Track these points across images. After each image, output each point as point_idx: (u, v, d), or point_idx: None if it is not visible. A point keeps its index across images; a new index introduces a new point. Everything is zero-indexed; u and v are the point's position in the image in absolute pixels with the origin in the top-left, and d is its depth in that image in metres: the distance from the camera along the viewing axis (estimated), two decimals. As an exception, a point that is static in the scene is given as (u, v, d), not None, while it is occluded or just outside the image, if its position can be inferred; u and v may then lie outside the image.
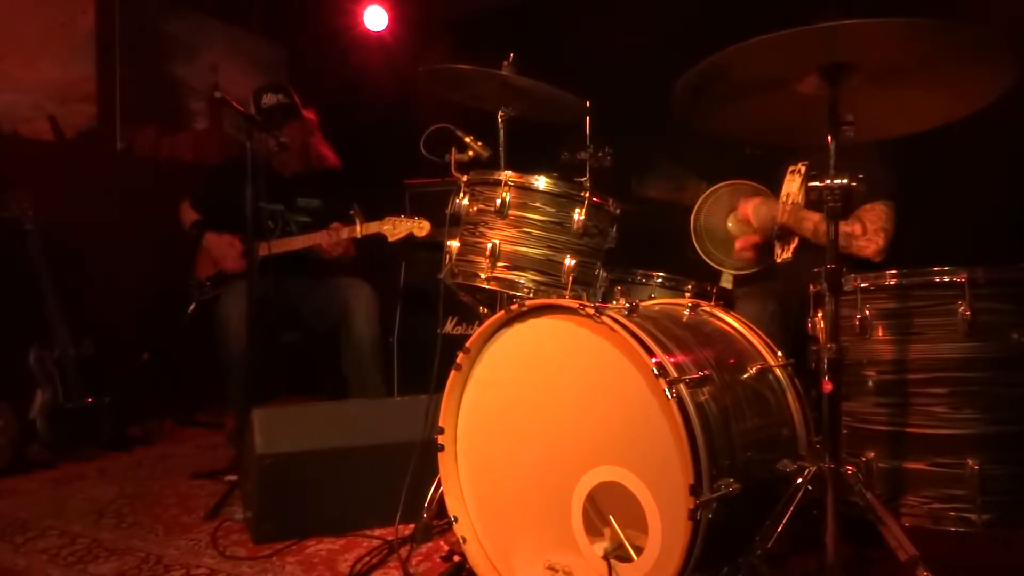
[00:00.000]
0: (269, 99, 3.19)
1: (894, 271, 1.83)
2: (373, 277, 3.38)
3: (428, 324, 3.40)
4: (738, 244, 2.77)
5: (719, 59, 1.51)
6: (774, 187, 2.77)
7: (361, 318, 3.10)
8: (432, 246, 2.99)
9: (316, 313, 3.23)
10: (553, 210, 1.95)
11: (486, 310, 2.24)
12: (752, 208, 2.61)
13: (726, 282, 3.37)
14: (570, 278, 1.92)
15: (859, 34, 1.40)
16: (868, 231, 2.31)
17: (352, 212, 3.09)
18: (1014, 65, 1.43)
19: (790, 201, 2.62)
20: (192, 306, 3.25)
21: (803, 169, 2.67)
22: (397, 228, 3.02)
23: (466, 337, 1.85)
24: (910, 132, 1.75)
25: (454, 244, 2.05)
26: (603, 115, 2.16)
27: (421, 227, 3.00)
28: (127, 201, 3.91)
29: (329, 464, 2.19)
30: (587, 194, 1.96)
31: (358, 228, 3.07)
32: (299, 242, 3.17)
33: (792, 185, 2.69)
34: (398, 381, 3.48)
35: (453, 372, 1.86)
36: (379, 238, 3.06)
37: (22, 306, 3.19)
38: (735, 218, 2.80)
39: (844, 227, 2.31)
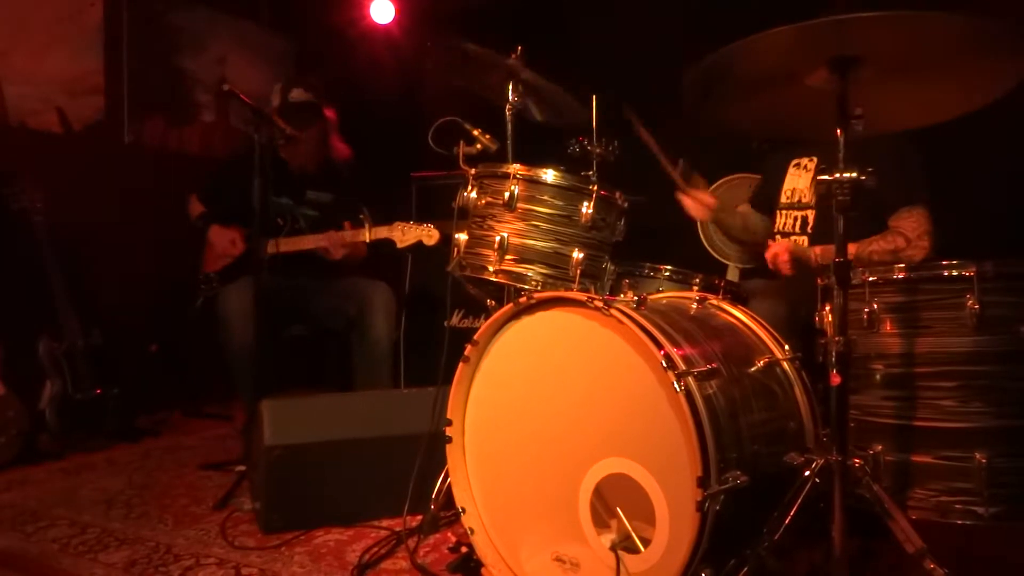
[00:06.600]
0: (298, 94, 3.18)
1: (902, 265, 1.83)
2: (380, 270, 3.39)
3: (434, 317, 3.40)
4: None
5: (727, 53, 1.50)
6: (782, 181, 2.76)
7: (380, 320, 3.08)
8: (439, 239, 3.00)
9: (330, 310, 3.22)
10: (561, 203, 1.95)
11: (494, 303, 2.25)
12: (788, 263, 2.43)
13: (732, 275, 3.37)
14: (578, 271, 1.92)
15: (869, 27, 1.39)
16: (911, 240, 2.30)
17: (362, 216, 3.08)
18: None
19: (813, 252, 2.45)
20: (199, 300, 3.26)
21: (809, 164, 2.66)
22: (406, 235, 3.02)
23: (472, 330, 1.85)
24: (922, 125, 1.74)
25: (462, 237, 2.05)
26: (611, 108, 2.15)
27: (430, 235, 2.99)
28: (135, 193, 3.92)
29: (337, 455, 2.20)
30: (595, 187, 1.96)
31: (367, 232, 3.07)
32: (307, 242, 3.16)
33: (797, 180, 2.68)
34: (404, 373, 3.49)
35: (461, 364, 1.87)
36: (387, 242, 3.06)
37: (31, 297, 3.20)
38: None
39: (886, 245, 2.32)
